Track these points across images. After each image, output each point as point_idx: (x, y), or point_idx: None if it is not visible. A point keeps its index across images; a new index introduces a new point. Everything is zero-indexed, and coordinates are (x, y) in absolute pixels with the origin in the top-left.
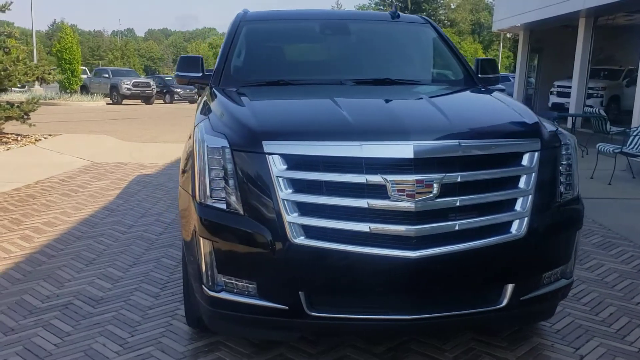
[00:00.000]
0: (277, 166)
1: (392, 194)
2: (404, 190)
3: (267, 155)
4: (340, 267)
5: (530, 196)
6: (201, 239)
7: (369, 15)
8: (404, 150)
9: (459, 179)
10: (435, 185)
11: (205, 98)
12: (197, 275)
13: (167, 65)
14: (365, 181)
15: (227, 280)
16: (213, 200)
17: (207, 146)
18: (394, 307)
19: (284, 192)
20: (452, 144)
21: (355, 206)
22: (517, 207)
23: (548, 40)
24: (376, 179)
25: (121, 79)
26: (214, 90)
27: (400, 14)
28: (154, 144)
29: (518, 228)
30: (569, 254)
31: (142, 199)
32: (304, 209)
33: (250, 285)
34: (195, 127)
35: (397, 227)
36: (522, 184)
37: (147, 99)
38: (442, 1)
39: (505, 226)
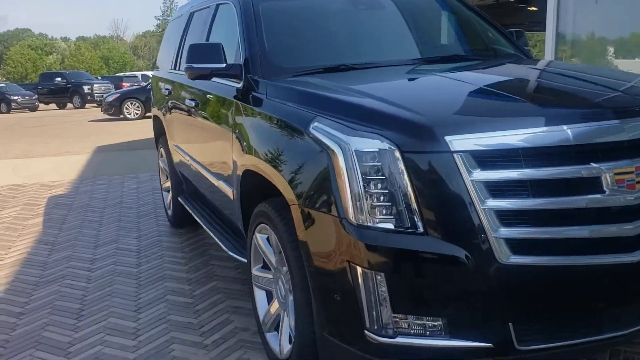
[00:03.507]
0: (470, 167)
1: (610, 186)
2: (623, 181)
3: (454, 155)
4: (555, 287)
5: None
6: (360, 270)
7: None
8: (616, 131)
9: None
10: None
11: (255, 94)
12: (350, 319)
13: None
14: (579, 174)
15: (400, 320)
16: (377, 220)
17: (356, 151)
18: (608, 322)
19: (485, 201)
20: None
21: (571, 207)
22: None
23: None
24: (591, 169)
25: None
26: (270, 82)
27: None
28: (33, 159)
29: None
30: None
31: (79, 226)
32: (511, 219)
33: (434, 323)
34: (307, 128)
35: (614, 226)
36: None
37: None
38: None
39: None
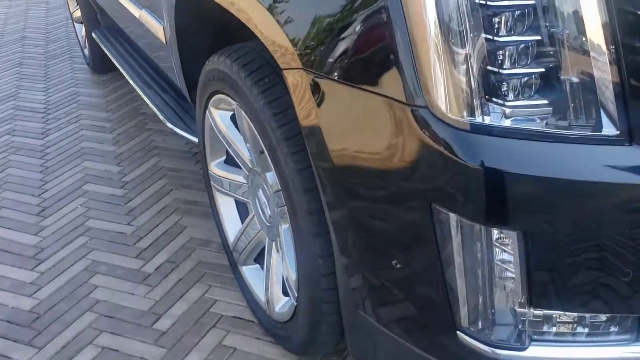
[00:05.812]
0: None
1: None
2: None
3: None
4: None
5: None
6: (456, 221)
7: None
8: None
9: None
10: None
11: None
12: (425, 307)
13: None
14: None
15: (534, 315)
16: (507, 110)
17: None
18: None
19: None
20: None
21: None
22: None
23: None
24: None
25: None
26: None
27: None
28: None
29: None
30: None
31: None
32: None
33: (596, 318)
34: None
35: None
36: None
37: None
38: None
39: None
